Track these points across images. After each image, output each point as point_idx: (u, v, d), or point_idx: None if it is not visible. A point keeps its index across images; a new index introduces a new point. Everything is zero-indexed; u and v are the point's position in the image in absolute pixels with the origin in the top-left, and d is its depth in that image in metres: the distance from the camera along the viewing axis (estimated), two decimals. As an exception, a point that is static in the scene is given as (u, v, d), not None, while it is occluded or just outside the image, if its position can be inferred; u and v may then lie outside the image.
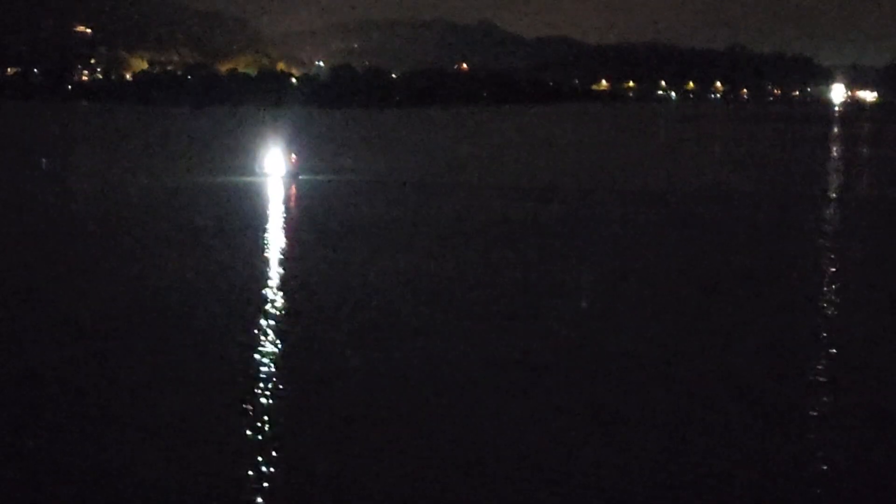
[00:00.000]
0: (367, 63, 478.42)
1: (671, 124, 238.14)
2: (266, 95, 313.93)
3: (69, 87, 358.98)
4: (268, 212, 66.91)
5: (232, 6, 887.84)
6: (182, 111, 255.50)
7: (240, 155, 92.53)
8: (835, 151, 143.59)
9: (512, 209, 68.15)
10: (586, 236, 56.41)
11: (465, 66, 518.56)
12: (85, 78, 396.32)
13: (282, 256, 48.95)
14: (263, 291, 39.81)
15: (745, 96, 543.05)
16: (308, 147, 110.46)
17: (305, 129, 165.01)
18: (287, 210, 69.23)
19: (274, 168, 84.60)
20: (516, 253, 50.65)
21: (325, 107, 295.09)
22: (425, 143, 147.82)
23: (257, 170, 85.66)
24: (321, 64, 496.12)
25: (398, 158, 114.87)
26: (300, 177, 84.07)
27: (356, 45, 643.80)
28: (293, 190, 78.69)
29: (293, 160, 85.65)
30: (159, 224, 60.15)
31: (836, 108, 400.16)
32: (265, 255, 49.38)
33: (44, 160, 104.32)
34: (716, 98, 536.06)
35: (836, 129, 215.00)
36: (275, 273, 44.52)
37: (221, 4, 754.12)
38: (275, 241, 54.80)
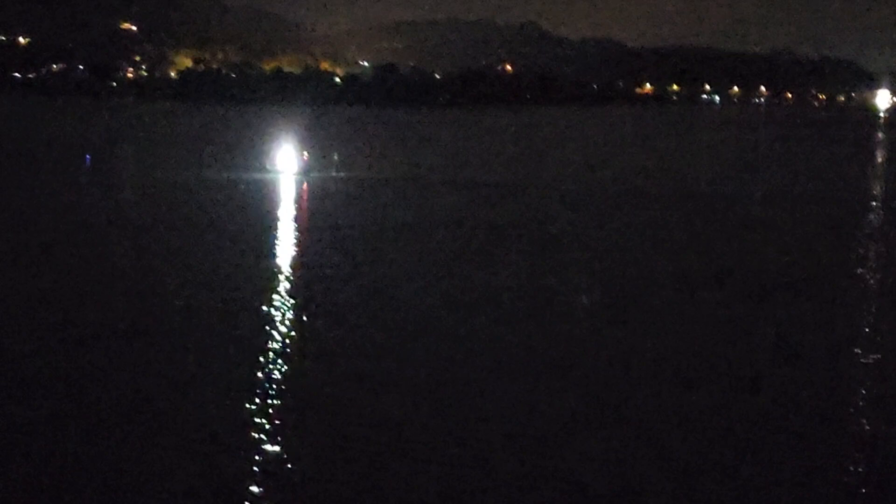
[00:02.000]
0: (411, 63, 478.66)
1: (720, 128, 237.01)
2: (310, 94, 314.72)
3: (114, 83, 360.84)
4: (276, 207, 68.29)
5: (277, 5, 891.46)
6: (225, 109, 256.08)
7: (270, 153, 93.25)
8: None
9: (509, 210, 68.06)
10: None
11: (509, 67, 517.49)
12: (130, 75, 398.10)
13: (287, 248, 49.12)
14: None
15: (790, 101, 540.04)
16: (335, 146, 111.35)
17: (342, 129, 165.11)
18: (297, 205, 70.66)
19: (288, 165, 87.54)
20: (517, 254, 50.48)
21: (369, 106, 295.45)
22: (453, 143, 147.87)
23: (268, 167, 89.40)
24: (365, 63, 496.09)
25: (422, 157, 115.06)
26: (311, 174, 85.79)
27: (400, 46, 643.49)
28: (304, 187, 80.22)
29: (305, 158, 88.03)
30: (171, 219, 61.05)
31: (882, 114, 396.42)
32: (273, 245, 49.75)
33: (88, 156, 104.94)
34: (760, 102, 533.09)
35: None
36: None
37: (266, 4, 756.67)
38: (283, 235, 55.19)
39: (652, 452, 23.66)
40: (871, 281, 46.32)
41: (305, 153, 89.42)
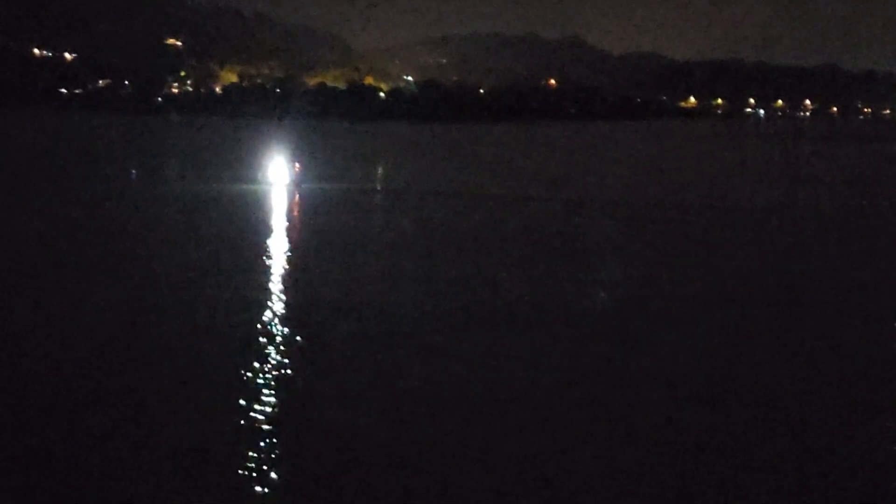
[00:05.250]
0: (455, 78, 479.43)
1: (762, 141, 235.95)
2: (354, 109, 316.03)
3: (159, 99, 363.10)
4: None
5: (322, 20, 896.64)
6: (271, 124, 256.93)
7: (303, 166, 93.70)
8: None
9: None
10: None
11: (552, 81, 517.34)
12: (175, 90, 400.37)
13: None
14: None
15: (835, 114, 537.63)
16: (378, 161, 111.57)
17: (387, 143, 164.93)
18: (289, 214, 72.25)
19: (278, 178, 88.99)
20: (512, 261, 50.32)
21: (414, 121, 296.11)
22: (500, 158, 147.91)
23: (262, 178, 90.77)
24: (410, 78, 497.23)
25: (470, 172, 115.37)
26: (302, 185, 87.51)
27: (444, 60, 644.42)
28: (296, 197, 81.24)
29: (297, 169, 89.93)
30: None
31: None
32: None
33: (133, 170, 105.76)
34: (805, 116, 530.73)
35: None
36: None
37: (311, 19, 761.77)
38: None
39: (663, 471, 23.45)
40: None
41: (297, 164, 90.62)
